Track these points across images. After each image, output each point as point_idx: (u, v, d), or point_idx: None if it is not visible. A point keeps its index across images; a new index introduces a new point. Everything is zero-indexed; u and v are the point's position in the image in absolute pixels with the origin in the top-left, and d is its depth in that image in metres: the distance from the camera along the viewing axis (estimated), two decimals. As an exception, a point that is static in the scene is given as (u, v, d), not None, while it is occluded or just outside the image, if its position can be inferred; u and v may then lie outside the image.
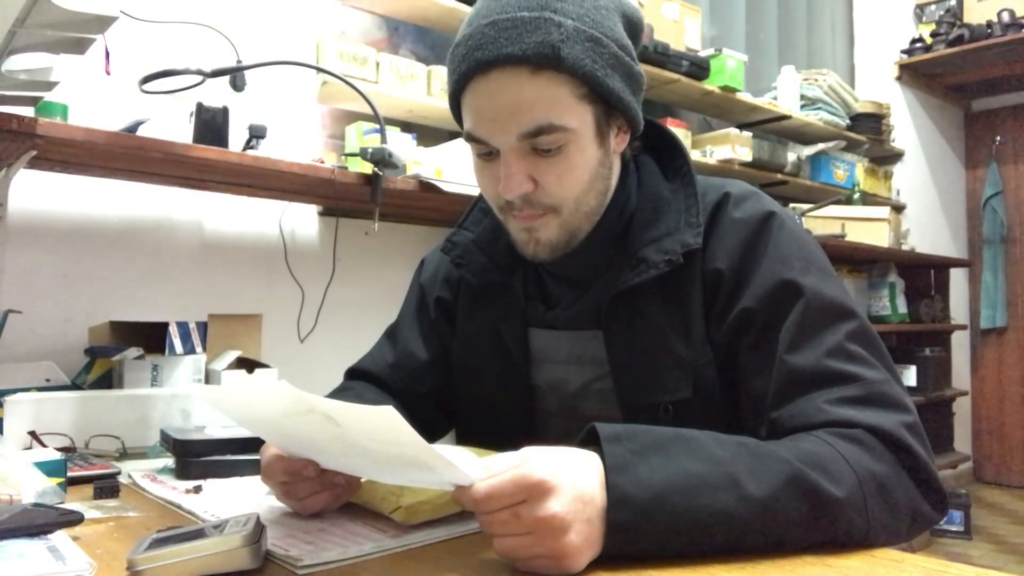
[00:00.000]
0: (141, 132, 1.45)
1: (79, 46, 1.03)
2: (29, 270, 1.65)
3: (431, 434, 1.05)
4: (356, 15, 2.30)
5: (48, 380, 1.38)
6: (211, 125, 1.58)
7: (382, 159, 1.68)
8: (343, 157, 1.96)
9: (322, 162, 1.83)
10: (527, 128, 0.81)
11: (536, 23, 0.79)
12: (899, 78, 4.27)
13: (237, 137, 1.66)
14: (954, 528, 3.38)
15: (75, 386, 1.41)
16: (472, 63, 0.81)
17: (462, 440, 1.07)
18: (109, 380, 1.43)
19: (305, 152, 2.00)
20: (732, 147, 2.98)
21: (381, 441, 0.65)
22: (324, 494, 0.79)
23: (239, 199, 1.93)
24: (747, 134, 3.09)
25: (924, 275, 3.89)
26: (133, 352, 1.37)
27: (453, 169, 1.87)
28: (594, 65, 0.81)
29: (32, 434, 1.11)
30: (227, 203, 1.93)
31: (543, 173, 0.83)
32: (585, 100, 0.82)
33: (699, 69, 2.86)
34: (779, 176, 3.28)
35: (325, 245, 2.10)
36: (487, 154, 0.86)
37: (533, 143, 0.82)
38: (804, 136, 3.49)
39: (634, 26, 0.88)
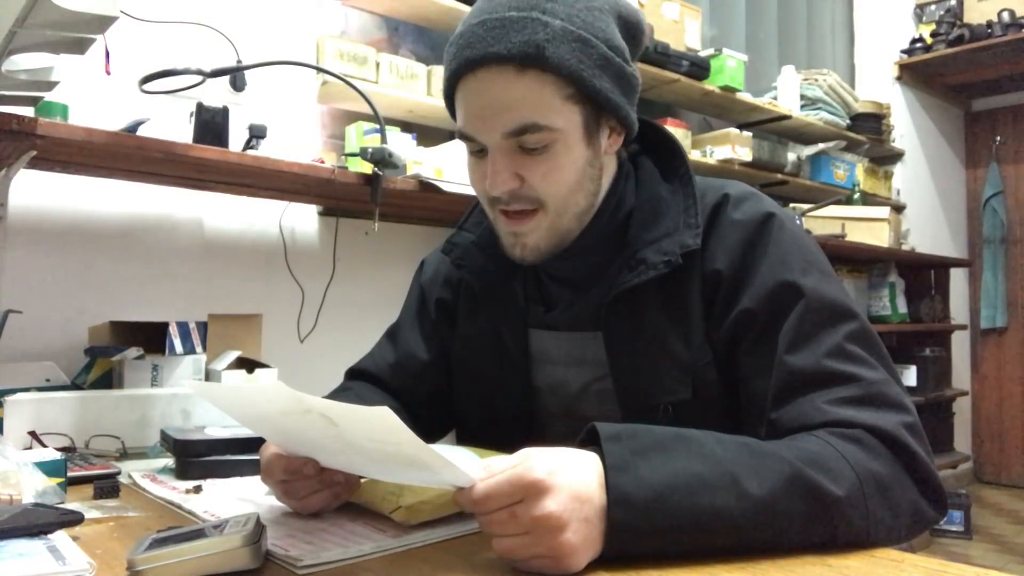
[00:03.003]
0: (141, 132, 1.45)
1: (79, 46, 1.03)
2: (29, 270, 1.65)
3: (431, 434, 1.05)
4: (356, 15, 2.30)
5: (48, 380, 1.38)
6: (211, 125, 1.58)
7: (382, 159, 1.68)
8: (343, 157, 1.96)
9: (322, 162, 1.83)
10: (511, 127, 0.82)
11: (523, 23, 0.80)
12: (899, 78, 4.27)
13: (237, 137, 1.66)
14: (954, 528, 3.38)
15: (75, 386, 1.41)
16: (461, 61, 0.83)
17: (462, 441, 1.07)
18: (109, 380, 1.43)
19: (305, 152, 2.00)
20: (732, 147, 2.98)
21: (379, 441, 0.65)
22: (324, 493, 0.79)
23: (239, 199, 1.93)
24: (747, 134, 3.09)
25: (924, 275, 3.89)
26: (133, 352, 1.37)
27: (453, 169, 1.87)
28: (580, 65, 0.81)
29: (32, 434, 1.11)
30: (227, 203, 1.93)
31: (529, 171, 0.84)
32: (572, 100, 0.83)
33: (699, 69, 2.86)
34: (779, 176, 3.28)
35: (325, 245, 2.10)
36: (479, 151, 0.87)
37: (519, 141, 0.83)
38: (804, 136, 3.49)
39: (631, 28, 0.89)
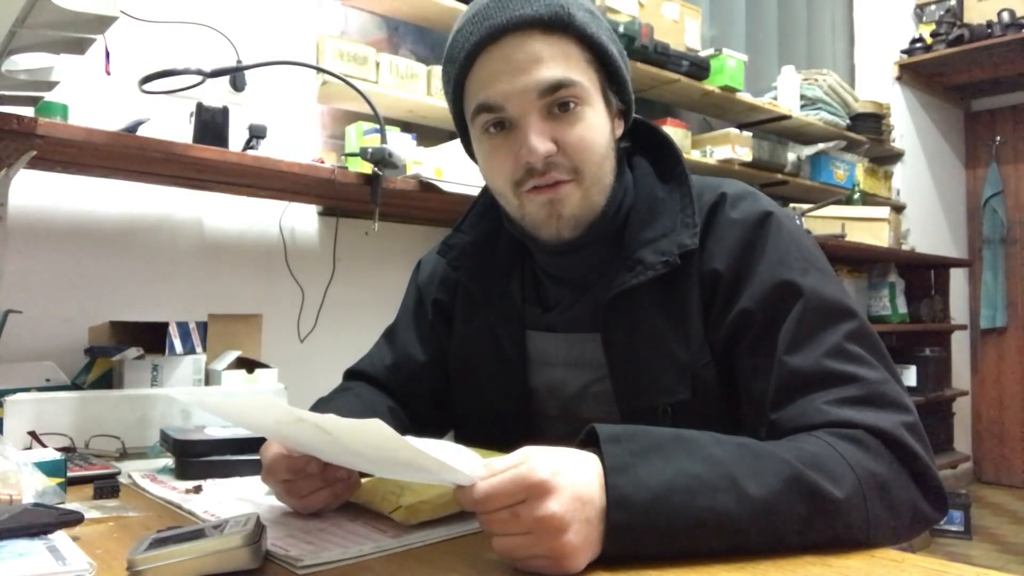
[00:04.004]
0: (141, 132, 1.45)
1: (79, 46, 1.03)
2: (29, 270, 1.65)
3: (430, 435, 1.05)
4: (356, 15, 2.30)
5: (48, 380, 1.38)
6: (211, 125, 1.58)
7: (382, 159, 1.68)
8: (343, 157, 1.96)
9: (322, 162, 1.83)
10: (546, 83, 0.82)
11: None
12: (899, 78, 4.26)
13: (237, 137, 1.66)
14: (954, 528, 3.38)
15: (75, 386, 1.41)
16: (484, 32, 0.83)
17: (461, 441, 1.06)
18: (109, 380, 1.43)
19: (305, 152, 2.00)
20: (732, 147, 2.98)
21: (375, 448, 0.65)
22: (325, 491, 0.79)
23: (239, 199, 1.93)
24: (747, 134, 3.09)
25: (924, 275, 3.89)
26: (133, 352, 1.37)
27: (453, 169, 1.87)
28: (598, 31, 0.85)
29: (32, 434, 1.11)
30: (227, 203, 1.93)
31: (564, 134, 0.84)
32: (592, 67, 0.85)
33: (699, 69, 2.86)
34: (779, 176, 3.28)
35: (325, 245, 2.10)
36: (498, 125, 0.85)
37: (553, 100, 0.83)
38: (804, 136, 3.49)
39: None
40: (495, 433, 0.97)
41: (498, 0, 0.83)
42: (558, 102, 0.83)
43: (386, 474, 0.77)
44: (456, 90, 0.89)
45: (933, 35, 4.15)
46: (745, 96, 3.06)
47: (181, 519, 0.82)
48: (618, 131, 0.91)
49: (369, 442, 0.63)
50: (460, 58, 0.85)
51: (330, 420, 0.62)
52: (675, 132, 2.85)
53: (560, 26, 0.82)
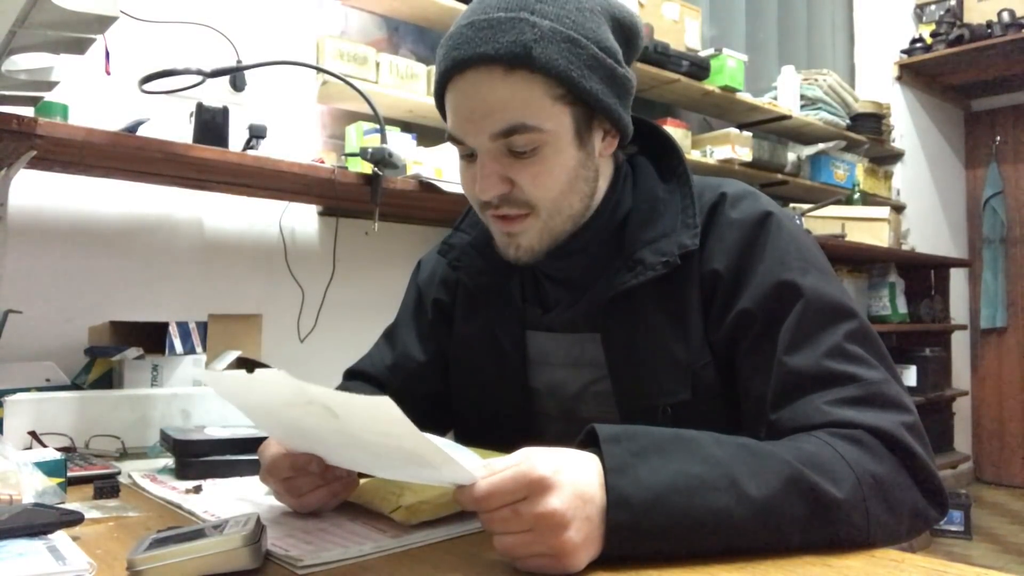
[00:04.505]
0: (141, 132, 1.45)
1: (79, 46, 1.03)
2: (29, 270, 1.65)
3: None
4: (356, 15, 2.31)
5: (48, 380, 1.38)
6: (211, 125, 1.58)
7: (382, 159, 1.68)
8: (343, 157, 1.96)
9: (322, 162, 1.83)
10: (499, 128, 0.81)
11: (511, 23, 0.80)
12: (899, 78, 4.27)
13: (237, 137, 1.66)
14: (954, 528, 3.38)
15: (75, 386, 1.41)
16: (450, 62, 0.83)
17: (461, 441, 1.06)
18: (109, 380, 1.43)
19: (305, 152, 2.00)
20: (732, 147, 2.98)
21: (380, 434, 0.64)
22: (323, 490, 0.79)
23: (239, 199, 1.93)
24: (747, 134, 3.09)
25: (924, 275, 3.89)
26: (133, 352, 1.37)
27: (453, 169, 1.87)
28: (569, 66, 0.80)
29: (32, 434, 1.11)
30: (227, 203, 1.93)
31: (518, 174, 0.83)
32: (562, 101, 0.82)
33: (699, 69, 2.86)
34: (779, 176, 3.28)
35: (325, 245, 2.10)
36: (468, 155, 0.87)
37: (507, 143, 0.82)
38: (804, 136, 3.49)
39: (626, 30, 0.87)
40: (495, 433, 0.97)
41: (471, 27, 0.81)
42: (512, 146, 0.82)
43: (386, 473, 0.77)
44: (440, 103, 0.89)
45: (933, 35, 4.15)
46: (745, 96, 3.07)
47: (181, 519, 0.82)
48: (609, 148, 0.89)
49: (376, 426, 0.63)
50: (436, 77, 0.87)
51: (340, 398, 0.62)
52: (675, 132, 2.85)
53: (522, 65, 0.79)
